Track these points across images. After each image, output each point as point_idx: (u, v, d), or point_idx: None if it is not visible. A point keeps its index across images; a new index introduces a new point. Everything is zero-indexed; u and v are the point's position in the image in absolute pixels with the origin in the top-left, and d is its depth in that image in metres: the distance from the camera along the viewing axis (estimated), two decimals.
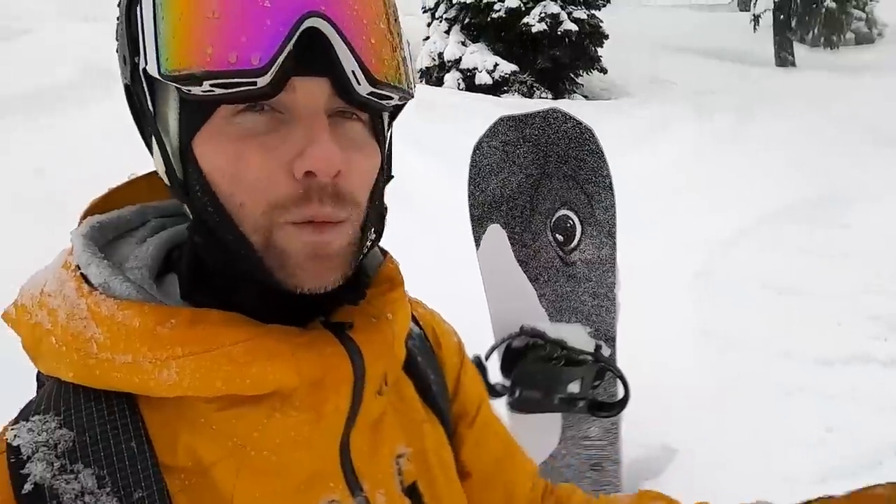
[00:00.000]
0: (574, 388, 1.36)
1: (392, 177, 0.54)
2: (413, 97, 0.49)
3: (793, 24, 11.97)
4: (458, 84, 8.74)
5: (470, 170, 1.47)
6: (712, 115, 6.72)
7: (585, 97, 9.21)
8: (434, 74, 9.23)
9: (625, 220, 1.45)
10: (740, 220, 4.30)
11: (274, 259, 0.44)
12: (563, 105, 1.60)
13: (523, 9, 8.85)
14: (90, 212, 0.52)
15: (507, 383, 1.39)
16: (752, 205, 4.52)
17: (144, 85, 0.45)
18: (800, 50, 11.88)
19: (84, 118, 3.97)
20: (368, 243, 0.50)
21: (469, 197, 1.48)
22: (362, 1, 0.44)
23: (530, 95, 8.65)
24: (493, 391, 1.37)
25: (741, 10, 16.65)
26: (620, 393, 1.38)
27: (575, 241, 1.43)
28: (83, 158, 3.54)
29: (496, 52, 8.98)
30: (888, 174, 5.00)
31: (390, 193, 0.54)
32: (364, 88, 0.44)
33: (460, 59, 8.89)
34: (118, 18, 0.47)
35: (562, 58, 8.91)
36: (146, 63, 0.42)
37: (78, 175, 3.34)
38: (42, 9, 5.63)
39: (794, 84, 8.85)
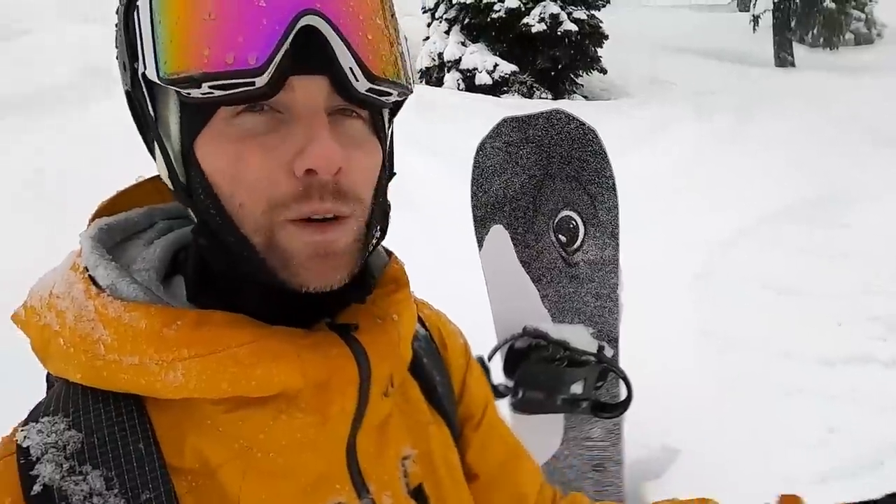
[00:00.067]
0: (577, 388, 1.36)
1: (394, 174, 0.54)
2: (412, 92, 0.49)
3: (792, 24, 11.99)
4: (458, 84, 8.74)
5: (473, 170, 1.47)
6: (712, 116, 6.72)
7: (585, 97, 9.21)
8: (434, 75, 9.23)
9: (625, 221, 1.45)
10: (740, 221, 4.30)
11: (276, 259, 0.44)
12: (563, 105, 1.60)
13: (523, 9, 8.85)
14: (98, 214, 0.53)
15: (510, 384, 1.39)
16: (751, 205, 4.52)
17: (144, 90, 0.45)
18: (799, 50, 11.89)
19: (84, 118, 3.96)
20: (374, 241, 0.50)
21: (472, 197, 1.48)
22: None
23: (530, 96, 8.65)
24: (496, 392, 1.37)
25: (741, 11, 16.67)
26: (623, 394, 1.37)
27: (578, 242, 1.43)
28: (83, 159, 3.54)
29: (496, 53, 8.98)
30: (887, 174, 5.00)
31: (390, 194, 0.54)
32: (362, 85, 0.44)
33: (460, 59, 8.89)
34: (116, 26, 0.47)
35: (561, 58, 8.91)
36: (145, 68, 0.42)
37: (78, 175, 3.34)
38: (42, 9, 5.63)
39: (793, 84, 8.86)
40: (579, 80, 9.57)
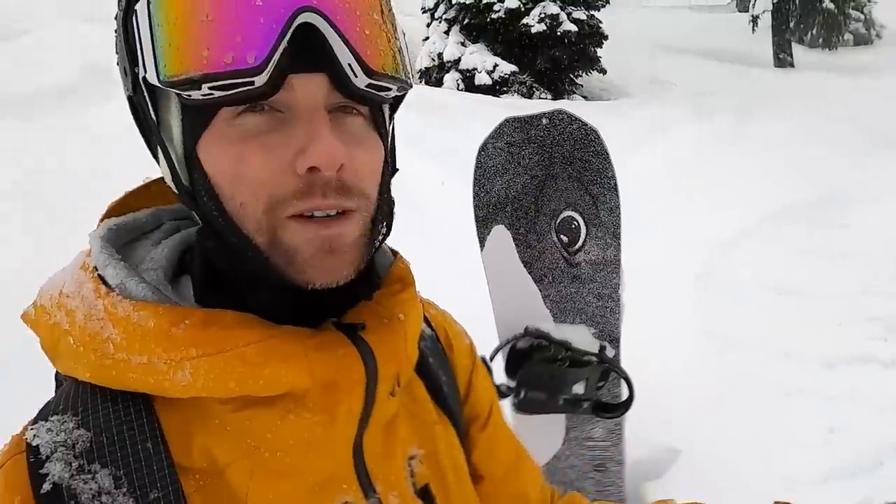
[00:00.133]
0: (579, 389, 1.36)
1: (397, 170, 0.54)
2: (412, 87, 0.49)
3: (791, 25, 12.00)
4: (458, 85, 8.73)
5: (475, 171, 1.47)
6: (711, 116, 6.72)
7: (585, 98, 9.21)
8: (433, 75, 9.22)
9: (625, 221, 1.45)
10: (740, 221, 4.31)
11: (281, 257, 0.44)
12: (563, 106, 1.60)
13: (523, 9, 8.85)
14: (108, 214, 0.53)
15: (512, 384, 1.39)
16: (751, 205, 4.53)
17: (146, 94, 0.45)
18: (798, 51, 11.90)
19: (84, 118, 3.96)
20: (380, 236, 0.50)
21: (474, 198, 1.48)
22: None
23: (530, 96, 8.65)
24: (498, 392, 1.36)
25: (740, 11, 16.68)
26: (624, 394, 1.38)
27: (580, 243, 1.43)
28: (83, 159, 3.54)
29: (496, 53, 8.98)
30: (886, 174, 5.01)
31: None
32: (362, 81, 0.44)
33: (459, 59, 8.88)
34: (116, 31, 0.47)
35: (561, 58, 8.90)
36: (145, 72, 0.42)
37: (77, 175, 3.34)
38: (42, 9, 5.63)
39: (792, 85, 8.88)
40: (579, 81, 9.57)
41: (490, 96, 7.79)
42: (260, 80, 0.41)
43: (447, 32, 9.34)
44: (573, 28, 8.77)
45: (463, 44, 9.08)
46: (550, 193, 1.42)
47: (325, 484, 0.47)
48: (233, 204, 0.44)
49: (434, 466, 0.56)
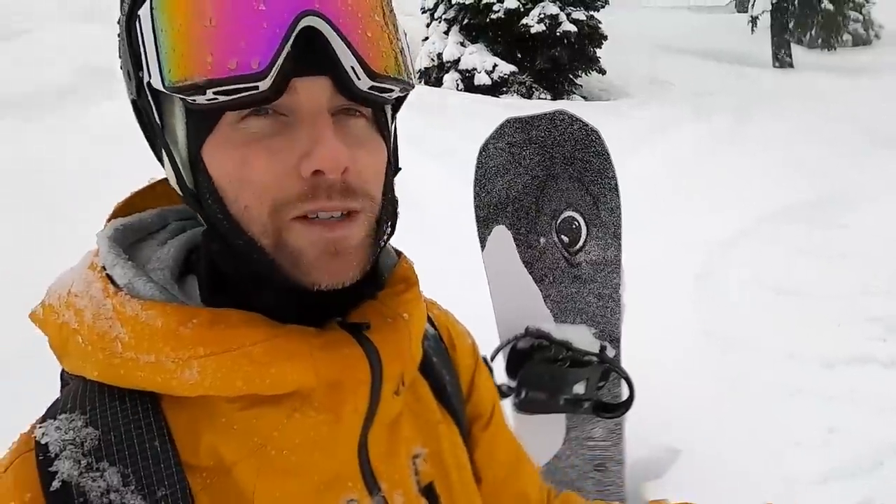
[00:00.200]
0: (579, 389, 1.36)
1: (400, 169, 0.54)
2: (413, 87, 0.49)
3: (790, 25, 12.00)
4: (457, 85, 8.73)
5: (476, 171, 1.47)
6: (711, 116, 6.73)
7: (584, 98, 9.21)
8: (433, 75, 9.22)
9: (625, 221, 1.45)
10: (739, 221, 4.31)
11: (286, 259, 0.44)
12: (563, 106, 1.60)
13: (522, 10, 8.84)
14: (115, 214, 0.53)
15: (513, 384, 1.39)
16: (750, 205, 4.53)
17: (150, 99, 0.45)
18: (797, 51, 11.91)
19: (83, 118, 3.96)
20: (384, 237, 0.50)
21: (475, 198, 1.48)
22: None
23: (529, 96, 8.65)
24: (499, 392, 1.37)
25: (739, 12, 16.69)
26: (624, 394, 1.38)
27: (580, 243, 1.43)
28: (82, 158, 3.54)
29: (495, 53, 8.98)
30: (885, 175, 5.02)
31: None
32: (364, 83, 0.44)
33: (459, 59, 8.88)
34: (119, 35, 0.47)
35: (561, 59, 8.90)
36: (150, 77, 0.42)
37: (77, 175, 3.34)
38: (42, 9, 5.62)
39: (791, 85, 8.89)
40: (578, 81, 9.56)
41: (490, 96, 7.79)
42: (264, 85, 0.41)
43: (447, 32, 9.34)
44: (572, 28, 8.77)
45: (462, 44, 9.08)
46: (551, 194, 1.43)
47: (330, 482, 0.47)
48: (237, 207, 0.44)
49: (438, 465, 0.57)
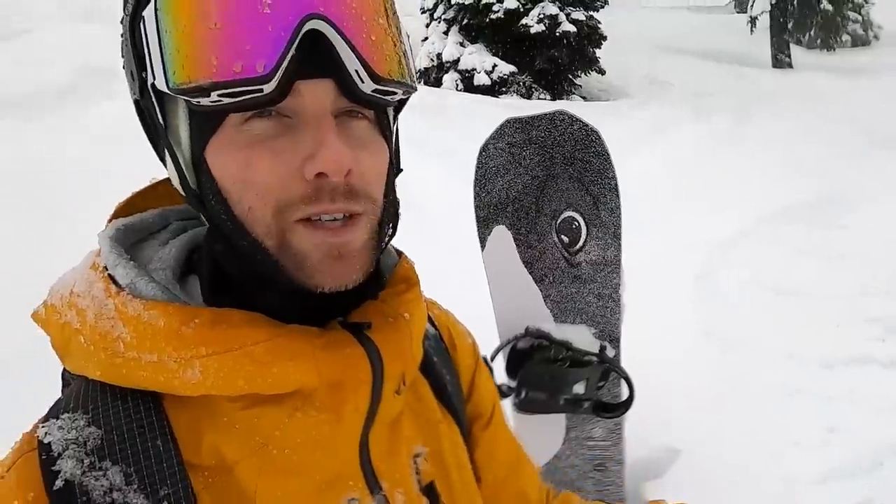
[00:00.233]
0: (579, 389, 1.36)
1: (401, 170, 0.54)
2: (416, 90, 0.49)
3: (789, 26, 12.01)
4: (457, 85, 8.73)
5: (476, 171, 1.48)
6: (710, 117, 6.74)
7: (584, 98, 9.21)
8: (432, 75, 9.22)
9: (624, 222, 1.45)
10: (739, 222, 4.31)
11: (290, 261, 0.44)
12: (563, 106, 1.61)
13: (522, 10, 8.84)
14: (116, 215, 0.53)
15: (513, 384, 1.39)
16: (750, 206, 4.53)
17: (154, 99, 0.45)
18: (796, 52, 11.92)
19: (83, 118, 3.97)
20: (386, 238, 0.50)
21: (475, 198, 1.48)
22: None
23: (528, 96, 8.65)
24: (499, 392, 1.37)
25: (738, 13, 16.69)
26: (624, 393, 1.38)
27: (580, 243, 1.44)
28: (82, 158, 3.54)
29: (494, 53, 8.98)
30: (884, 175, 5.03)
31: None
32: (368, 86, 0.44)
33: (458, 59, 8.88)
34: (122, 35, 0.47)
35: (560, 59, 8.90)
36: (154, 78, 0.43)
37: (76, 175, 3.34)
38: (42, 9, 5.62)
39: (790, 85, 8.90)
40: (578, 81, 9.56)
41: (489, 97, 7.79)
42: (268, 88, 0.41)
43: (446, 33, 9.34)
44: (572, 29, 8.77)
45: (462, 44, 9.08)
46: (551, 194, 1.43)
47: (332, 481, 0.47)
48: (241, 208, 0.44)
49: (439, 464, 0.57)
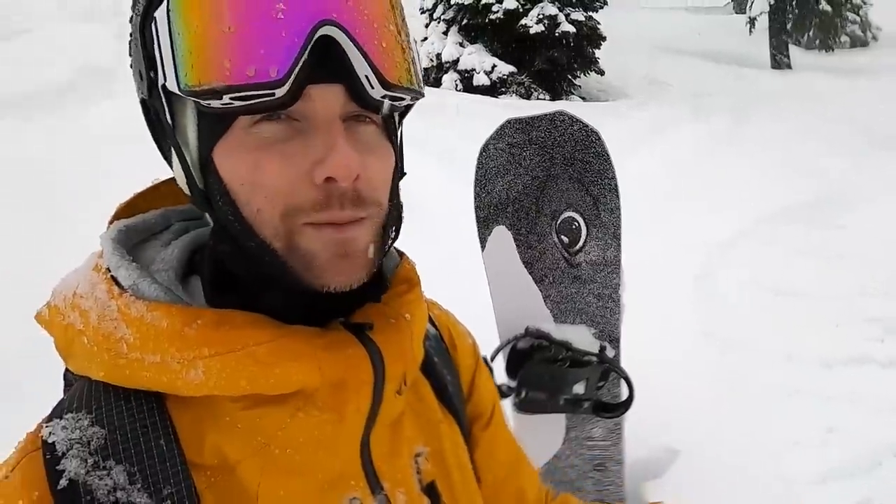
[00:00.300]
0: (579, 389, 1.36)
1: (405, 174, 0.55)
2: (424, 96, 0.50)
3: (788, 26, 12.03)
4: (456, 85, 8.74)
5: (476, 171, 1.48)
6: (709, 117, 6.75)
7: (583, 99, 9.22)
8: (432, 75, 9.22)
9: (624, 222, 1.46)
10: (738, 222, 4.32)
11: (298, 261, 0.44)
12: (562, 107, 1.61)
13: (521, 10, 8.85)
14: (117, 216, 0.54)
15: (513, 384, 1.39)
16: (749, 206, 4.54)
17: (163, 99, 0.46)
18: (795, 52, 11.95)
19: (83, 118, 3.96)
20: (389, 241, 0.51)
21: (475, 198, 1.48)
22: (372, 6, 0.45)
23: (528, 97, 8.66)
24: (499, 392, 1.37)
25: (737, 13, 16.71)
26: (624, 394, 1.38)
27: (580, 243, 1.44)
28: (82, 158, 3.54)
29: (494, 54, 8.98)
30: (883, 175, 5.03)
31: None
32: (378, 92, 0.45)
33: (458, 59, 8.89)
34: (131, 34, 0.48)
35: (559, 59, 8.91)
36: (165, 79, 0.43)
37: (76, 175, 3.34)
38: (42, 9, 5.62)
39: (789, 86, 8.91)
40: (577, 82, 9.58)
41: (489, 97, 7.80)
42: (280, 92, 0.41)
43: (446, 33, 9.35)
44: (571, 29, 8.78)
45: (461, 44, 9.09)
46: (551, 194, 1.43)
47: (333, 481, 0.48)
48: (249, 210, 0.44)
49: (440, 464, 0.57)
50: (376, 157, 0.47)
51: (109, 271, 0.47)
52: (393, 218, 0.50)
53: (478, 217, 1.50)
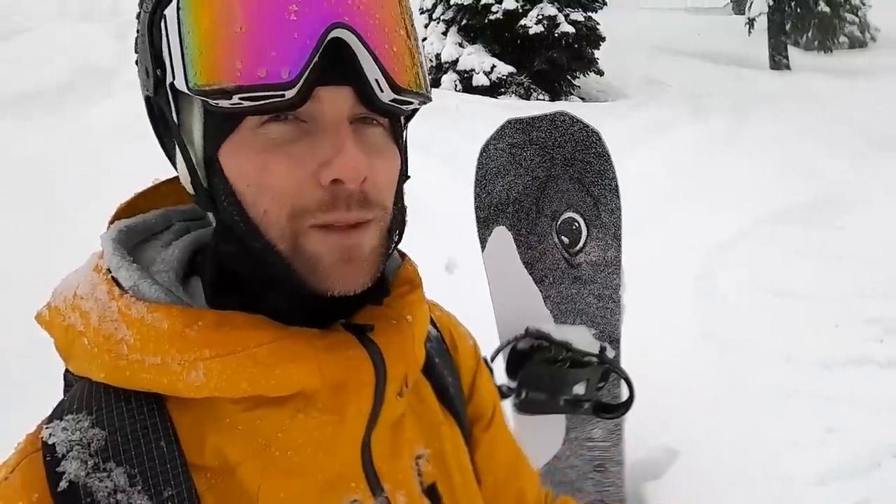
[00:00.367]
0: (579, 389, 1.36)
1: (409, 176, 0.55)
2: (431, 100, 0.50)
3: (787, 27, 12.04)
4: (456, 85, 8.73)
5: (476, 172, 1.48)
6: (708, 118, 6.75)
7: (582, 99, 9.22)
8: (431, 76, 9.22)
9: (624, 222, 1.46)
10: (737, 223, 4.31)
11: (303, 264, 0.44)
12: (561, 107, 1.61)
13: (520, 10, 8.85)
14: (118, 216, 0.53)
15: (513, 385, 1.39)
16: (748, 207, 4.53)
17: (170, 97, 0.45)
18: (794, 53, 11.95)
19: (83, 117, 3.96)
20: (392, 245, 0.50)
21: (475, 199, 1.48)
22: (383, 10, 0.45)
23: (527, 97, 8.65)
24: (499, 393, 1.37)
25: (736, 14, 16.72)
26: (624, 394, 1.38)
27: (580, 244, 1.44)
28: (82, 158, 3.54)
29: (493, 54, 8.98)
30: (882, 176, 5.03)
31: None
32: (387, 96, 0.45)
33: (457, 60, 8.88)
34: (138, 31, 0.47)
35: (559, 60, 8.90)
36: (173, 78, 0.43)
37: (76, 175, 3.34)
38: (42, 9, 5.61)
39: (788, 87, 8.92)
40: (576, 82, 9.57)
41: (488, 97, 7.80)
42: (290, 93, 0.41)
43: (445, 33, 9.34)
44: (571, 30, 8.78)
45: (461, 45, 9.08)
46: (552, 195, 1.43)
47: (334, 483, 0.47)
48: (255, 210, 0.44)
49: (441, 466, 0.57)
50: (383, 159, 0.47)
51: (110, 272, 0.47)
52: (397, 221, 0.50)
53: (478, 217, 1.50)
